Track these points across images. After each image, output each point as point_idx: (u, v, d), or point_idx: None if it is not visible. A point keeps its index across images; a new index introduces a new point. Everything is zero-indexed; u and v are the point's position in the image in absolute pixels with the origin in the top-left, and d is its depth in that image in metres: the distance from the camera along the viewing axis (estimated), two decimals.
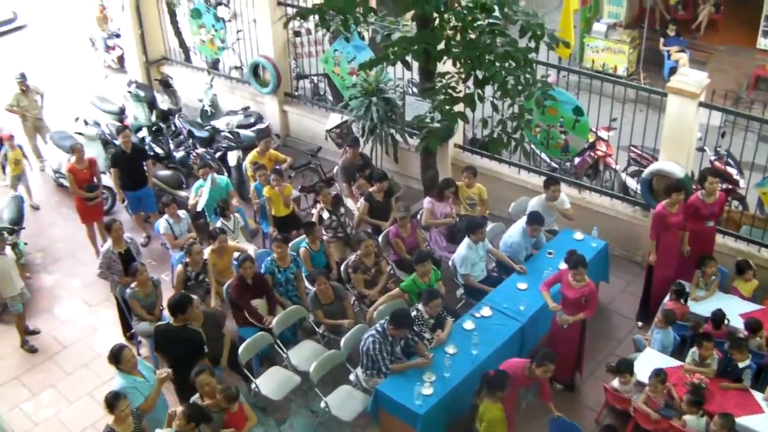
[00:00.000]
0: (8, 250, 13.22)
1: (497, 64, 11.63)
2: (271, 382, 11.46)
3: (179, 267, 12.63)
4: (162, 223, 13.81)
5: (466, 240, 12.45)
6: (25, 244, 15.09)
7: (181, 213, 13.90)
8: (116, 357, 10.19)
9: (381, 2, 12.13)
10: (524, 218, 12.92)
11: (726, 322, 11.45)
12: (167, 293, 12.65)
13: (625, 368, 10.84)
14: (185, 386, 10.62)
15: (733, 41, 21.41)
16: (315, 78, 18.49)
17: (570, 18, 17.11)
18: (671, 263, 12.54)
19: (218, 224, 13.63)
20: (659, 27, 21.79)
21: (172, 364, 10.69)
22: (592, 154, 15.50)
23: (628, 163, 15.33)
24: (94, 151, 16.06)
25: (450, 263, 12.97)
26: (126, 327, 12.94)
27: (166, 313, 12.29)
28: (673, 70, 17.69)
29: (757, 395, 10.61)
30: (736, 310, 11.90)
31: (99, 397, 11.07)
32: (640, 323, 13.06)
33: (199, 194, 14.48)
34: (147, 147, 16.52)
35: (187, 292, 11.81)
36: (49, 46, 24.60)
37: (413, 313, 11.07)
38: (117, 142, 15.93)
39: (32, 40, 25.34)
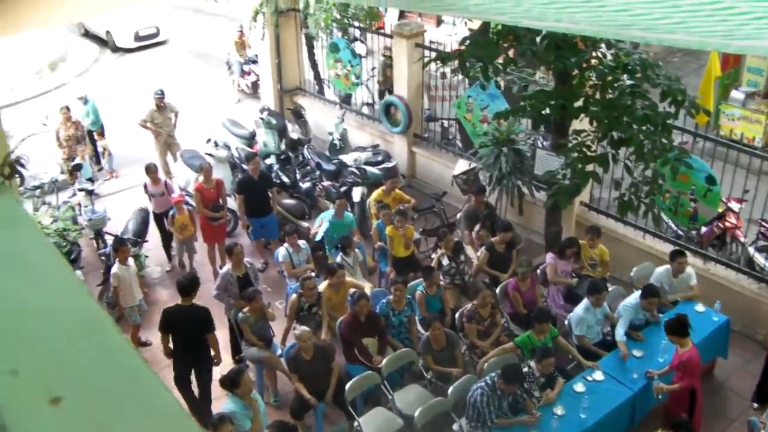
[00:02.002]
0: (131, 261, 13.46)
1: (635, 126, 11.49)
2: (374, 423, 11.39)
3: (293, 297, 12.68)
4: (282, 252, 13.90)
5: (585, 302, 12.25)
6: (146, 257, 15.40)
7: (302, 243, 13.98)
8: (234, 381, 10.23)
9: (521, 54, 12.07)
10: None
11: None
12: (280, 321, 12.77)
13: None
14: (187, 361, 11.83)
15: None
16: (446, 122, 18.51)
17: (711, 85, 16.87)
18: None
19: (338, 259, 13.67)
20: None
21: (179, 342, 11.77)
22: (721, 224, 15.14)
23: (757, 237, 14.92)
24: (222, 173, 16.32)
25: (566, 322, 12.79)
26: (235, 350, 13.03)
27: (276, 341, 12.43)
28: None
29: None
30: None
31: None
32: (755, 405, 12.65)
33: (320, 224, 14.57)
34: (274, 175, 16.71)
35: (300, 323, 11.93)
36: (186, 64, 25.19)
37: (524, 370, 10.92)
38: (245, 167, 16.16)
39: (172, 56, 25.97)
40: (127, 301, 13.22)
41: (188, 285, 11.80)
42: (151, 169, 15.50)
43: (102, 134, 19.47)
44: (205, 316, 11.72)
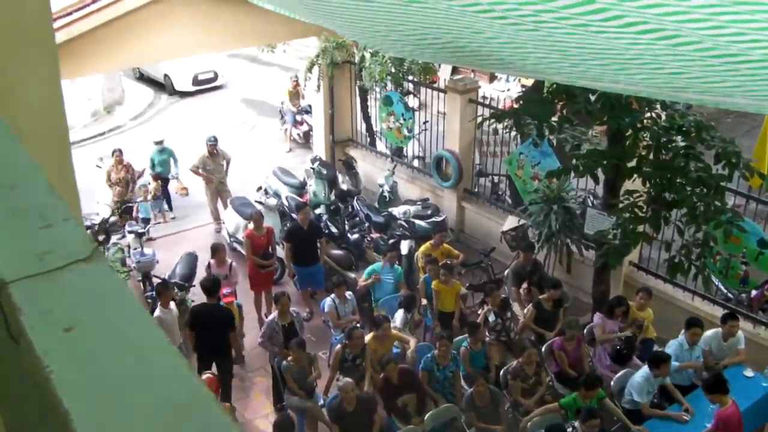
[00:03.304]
0: (173, 305, 13.50)
1: (688, 188, 11.42)
2: None
3: (338, 347, 12.66)
4: (327, 302, 13.88)
5: (646, 370, 12.03)
6: (193, 301, 15.46)
7: (348, 295, 13.96)
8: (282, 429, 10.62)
9: (575, 112, 12.08)
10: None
11: None
12: (323, 372, 12.76)
13: None
14: (211, 357, 12.79)
15: None
16: (496, 178, 18.51)
17: (766, 147, 16.71)
18: None
19: (398, 316, 13.67)
20: None
21: (204, 338, 12.73)
22: None
23: None
24: (271, 222, 16.41)
25: (612, 383, 12.65)
26: (277, 398, 13.00)
27: (319, 391, 12.41)
28: None
29: None
30: None
31: None
32: None
33: (374, 278, 14.56)
34: (323, 225, 16.77)
35: (344, 374, 11.93)
36: (240, 111, 25.47)
37: (569, 430, 10.79)
38: (294, 216, 16.23)
39: (226, 103, 26.26)
40: None
41: (211, 286, 13.12)
42: (219, 250, 14.93)
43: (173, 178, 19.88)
44: (228, 314, 12.97)
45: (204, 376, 11.95)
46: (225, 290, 13.84)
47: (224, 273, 14.52)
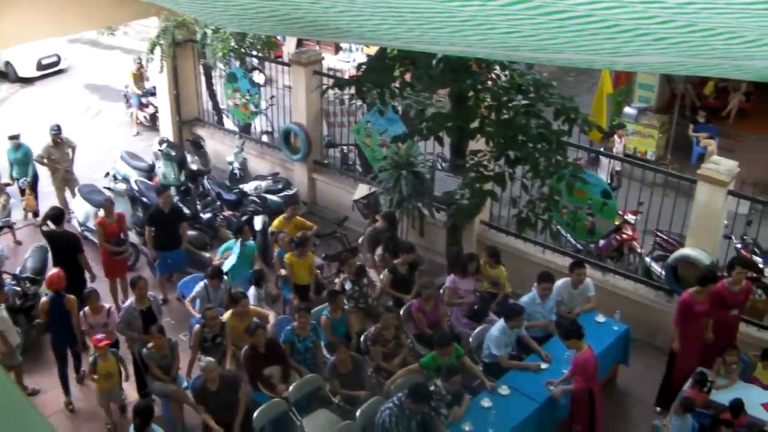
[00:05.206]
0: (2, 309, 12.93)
1: (530, 144, 11.70)
2: None
3: (197, 327, 12.60)
4: (199, 286, 13.61)
5: (502, 323, 12.31)
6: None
7: (223, 285, 13.70)
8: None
9: (417, 77, 12.22)
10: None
11: (744, 411, 11.33)
12: (185, 354, 12.68)
13: None
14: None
15: (762, 130, 21.49)
16: (345, 148, 18.61)
17: (603, 102, 17.25)
18: (694, 351, 12.43)
19: (251, 292, 13.64)
20: (689, 113, 21.88)
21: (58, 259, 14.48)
22: (618, 237, 15.49)
23: (653, 247, 15.29)
24: (122, 207, 16.18)
25: (470, 340, 12.94)
26: (141, 384, 12.86)
27: (182, 373, 12.35)
28: (701, 157, 17.81)
29: None
30: (757, 399, 11.76)
31: None
32: (658, 409, 12.94)
33: (225, 256, 14.51)
34: None
35: (205, 354, 11.91)
36: (84, 97, 24.92)
37: (431, 389, 10.99)
38: (145, 200, 16.06)
39: (70, 90, 25.65)
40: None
41: (59, 214, 14.80)
42: (91, 297, 13.02)
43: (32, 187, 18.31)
44: (75, 237, 14.96)
45: (52, 271, 13.34)
46: (99, 336, 12.23)
47: (102, 321, 12.93)
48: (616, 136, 17.58)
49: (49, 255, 15.23)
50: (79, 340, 13.30)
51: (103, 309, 12.99)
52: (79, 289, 13.75)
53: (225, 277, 13.85)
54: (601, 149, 16.94)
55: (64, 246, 14.48)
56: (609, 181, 16.16)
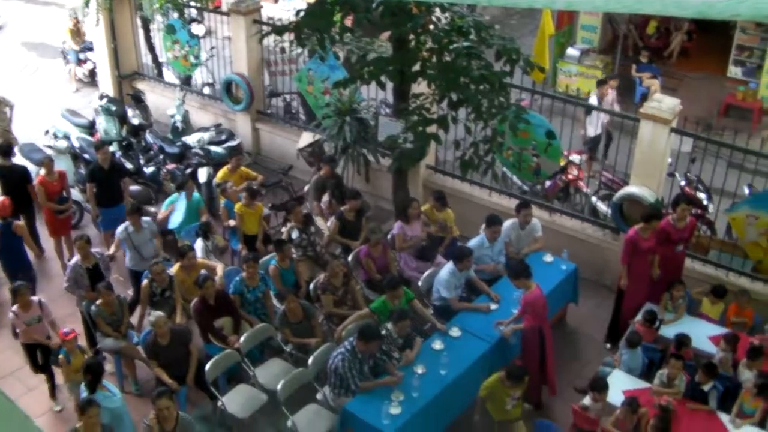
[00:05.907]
0: None
1: (472, 86, 11.68)
2: (237, 400, 11.39)
3: (144, 282, 12.55)
4: (120, 229, 13.51)
5: (451, 266, 12.36)
6: None
7: (145, 222, 13.57)
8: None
9: (357, 22, 12.10)
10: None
11: (688, 345, 11.46)
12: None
13: (600, 387, 10.59)
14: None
15: (704, 69, 21.71)
16: (288, 96, 18.47)
17: (545, 43, 17.24)
18: (642, 287, 12.57)
19: (198, 244, 13.55)
20: (632, 53, 21.96)
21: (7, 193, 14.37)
22: (564, 177, 15.55)
23: (598, 186, 15.38)
24: (63, 165, 15.95)
25: (419, 284, 12.97)
26: (91, 342, 12.75)
27: (132, 331, 12.29)
28: (644, 96, 17.85)
29: (723, 417, 10.65)
30: (703, 332, 11.96)
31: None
32: (608, 345, 13.11)
33: (169, 209, 14.40)
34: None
35: (154, 309, 11.86)
36: (20, 54, 24.48)
37: (382, 333, 11.02)
38: (86, 157, 15.87)
39: (5, 47, 25.17)
40: None
41: (7, 147, 15.10)
42: (20, 291, 12.01)
43: None
44: (23, 168, 15.19)
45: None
46: (65, 330, 11.64)
47: (36, 315, 12.08)
48: (609, 88, 17.46)
49: None
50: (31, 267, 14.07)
51: (33, 303, 12.02)
52: (31, 220, 15.07)
53: (145, 216, 13.90)
54: (594, 98, 16.90)
55: (16, 179, 14.74)
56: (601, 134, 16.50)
